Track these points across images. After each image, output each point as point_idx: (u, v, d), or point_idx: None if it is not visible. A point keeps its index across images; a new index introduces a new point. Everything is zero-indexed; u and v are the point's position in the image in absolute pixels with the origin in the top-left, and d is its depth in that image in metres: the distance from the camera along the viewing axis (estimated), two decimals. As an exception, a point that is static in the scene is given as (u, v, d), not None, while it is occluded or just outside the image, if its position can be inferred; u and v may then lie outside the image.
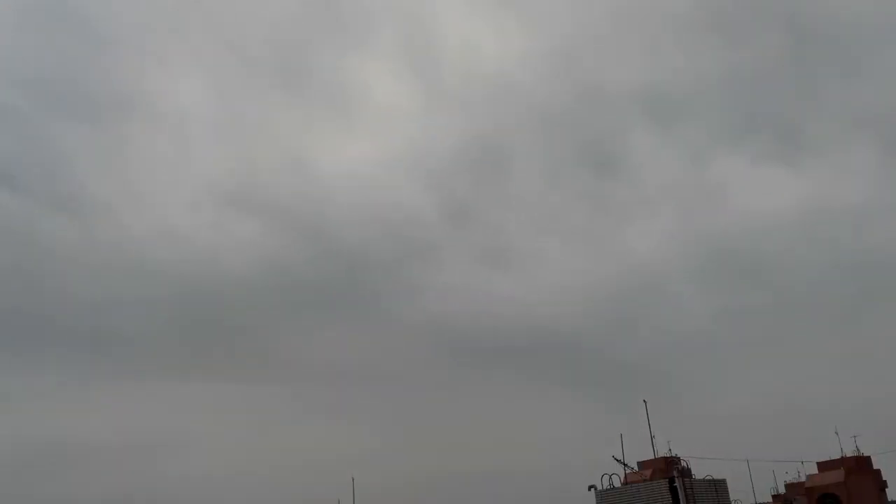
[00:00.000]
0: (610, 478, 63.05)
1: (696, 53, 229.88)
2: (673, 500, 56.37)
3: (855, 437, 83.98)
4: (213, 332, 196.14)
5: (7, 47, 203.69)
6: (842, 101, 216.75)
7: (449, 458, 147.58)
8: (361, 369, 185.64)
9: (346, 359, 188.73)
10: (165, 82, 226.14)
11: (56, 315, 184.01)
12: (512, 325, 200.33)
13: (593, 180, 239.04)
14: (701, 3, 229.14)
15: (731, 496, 62.61)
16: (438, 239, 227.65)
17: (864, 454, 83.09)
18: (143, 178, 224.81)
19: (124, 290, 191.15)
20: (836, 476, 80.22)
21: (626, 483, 67.82)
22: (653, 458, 75.65)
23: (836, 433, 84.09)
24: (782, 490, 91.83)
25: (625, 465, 77.14)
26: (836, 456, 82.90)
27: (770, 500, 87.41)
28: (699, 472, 63.66)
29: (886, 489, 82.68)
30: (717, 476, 61.47)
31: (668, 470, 66.93)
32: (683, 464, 68.23)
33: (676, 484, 56.91)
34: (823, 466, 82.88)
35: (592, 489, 61.74)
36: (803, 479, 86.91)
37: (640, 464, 79.58)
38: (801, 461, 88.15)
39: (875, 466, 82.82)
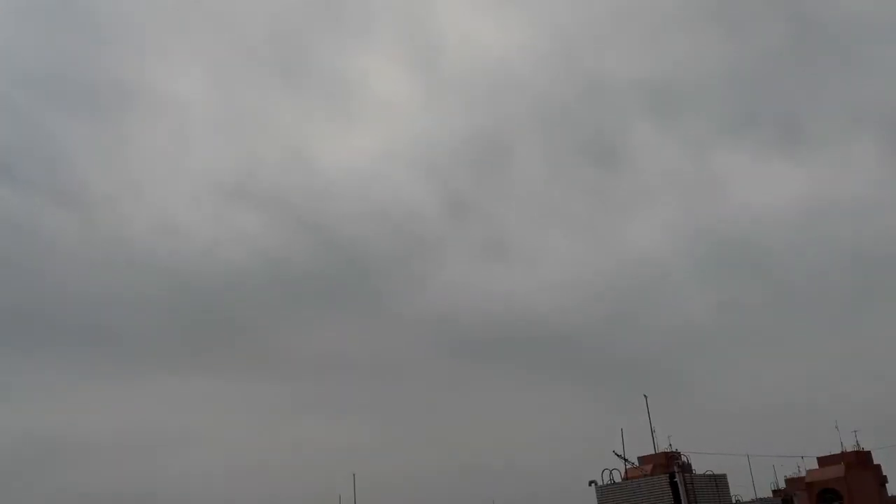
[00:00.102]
0: (610, 473, 62.95)
1: (698, 47, 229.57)
2: (673, 495, 56.28)
3: (855, 432, 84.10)
4: (213, 327, 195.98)
5: (7, 40, 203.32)
6: (844, 95, 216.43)
7: (450, 453, 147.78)
8: (362, 364, 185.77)
9: (347, 353, 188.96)
10: (166, 76, 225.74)
11: (55, 310, 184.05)
12: (512, 318, 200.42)
13: (594, 174, 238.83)
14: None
15: (732, 491, 62.57)
16: (439, 233, 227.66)
17: (865, 449, 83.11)
18: (143, 171, 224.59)
19: (124, 283, 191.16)
20: (837, 471, 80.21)
21: (626, 478, 67.82)
22: (653, 453, 75.78)
23: (837, 428, 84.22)
24: (782, 485, 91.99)
25: (625, 460, 77.19)
26: (837, 451, 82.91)
27: (770, 494, 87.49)
28: (700, 468, 63.70)
29: (887, 484, 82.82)
30: (717, 471, 61.41)
31: (669, 465, 66.99)
32: (684, 459, 68.28)
33: (677, 479, 56.76)
34: (823, 461, 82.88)
35: (593, 484, 61.62)
36: (803, 474, 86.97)
37: (640, 459, 79.68)
38: (801, 456, 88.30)
39: (875, 461, 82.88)
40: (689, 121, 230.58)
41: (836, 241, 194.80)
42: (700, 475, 59.55)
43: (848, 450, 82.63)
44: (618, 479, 63.69)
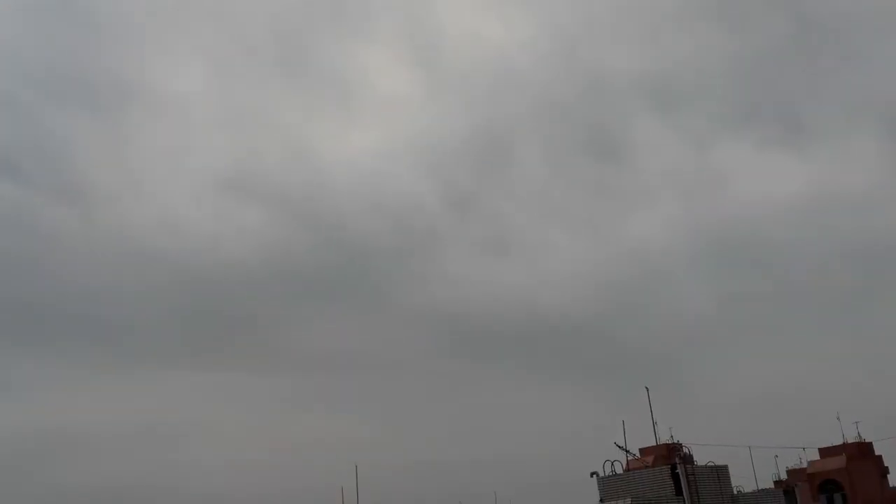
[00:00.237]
0: (612, 464, 63.05)
1: (699, 41, 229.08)
2: (675, 487, 56.35)
3: (857, 423, 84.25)
4: (214, 322, 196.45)
5: (8, 36, 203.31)
6: (845, 87, 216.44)
7: (451, 445, 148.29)
8: (363, 358, 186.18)
9: (348, 348, 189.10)
10: (167, 73, 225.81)
11: (56, 305, 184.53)
12: (514, 313, 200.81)
13: (596, 169, 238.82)
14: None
15: (733, 482, 62.58)
16: (441, 228, 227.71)
17: (866, 440, 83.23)
18: (144, 168, 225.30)
19: (125, 279, 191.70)
20: (838, 462, 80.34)
21: (628, 470, 67.90)
22: (655, 444, 75.84)
23: (838, 419, 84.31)
24: (784, 476, 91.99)
25: (627, 451, 77.28)
26: (838, 442, 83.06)
27: (772, 486, 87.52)
28: (701, 459, 63.65)
29: (888, 475, 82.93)
30: (719, 462, 61.43)
31: (670, 456, 66.95)
32: (685, 450, 68.21)
33: (678, 470, 56.85)
34: (825, 453, 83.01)
35: (594, 476, 61.71)
36: (805, 465, 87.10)
37: (642, 450, 79.73)
38: (802, 447, 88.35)
39: (877, 452, 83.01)
40: (690, 116, 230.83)
41: (837, 234, 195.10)
42: (702, 466, 59.61)
43: (849, 441, 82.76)
44: (619, 470, 63.77)
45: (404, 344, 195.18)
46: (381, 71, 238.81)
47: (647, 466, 67.40)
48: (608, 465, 62.53)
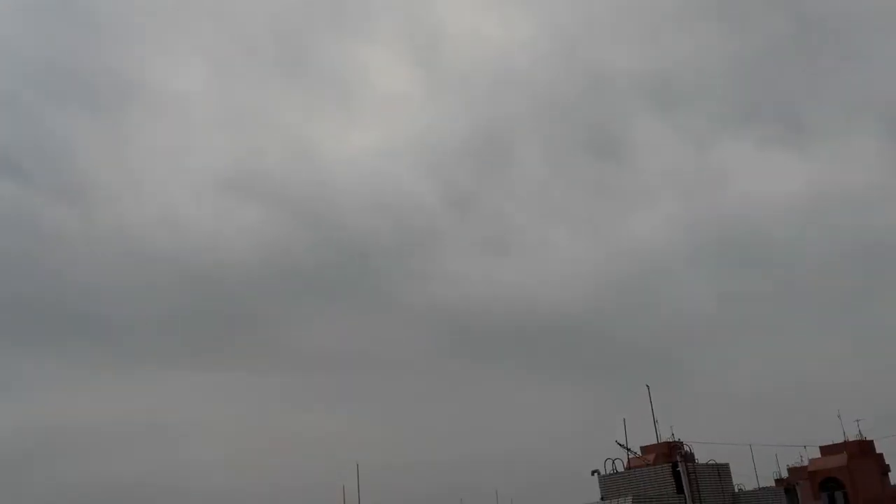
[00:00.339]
0: (613, 462, 62.85)
1: (699, 41, 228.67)
2: (676, 485, 56.19)
3: (858, 421, 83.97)
4: (214, 320, 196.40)
5: (8, 36, 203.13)
6: (845, 87, 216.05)
7: (452, 444, 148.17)
8: (364, 356, 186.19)
9: (349, 347, 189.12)
10: (167, 71, 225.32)
11: (56, 303, 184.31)
12: (515, 311, 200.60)
13: (596, 168, 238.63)
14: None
15: (734, 480, 62.41)
16: (441, 226, 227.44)
17: (867, 438, 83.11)
18: (144, 166, 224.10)
19: (125, 278, 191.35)
20: (839, 460, 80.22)
21: (629, 468, 67.78)
22: (656, 442, 75.75)
23: (839, 417, 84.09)
24: (785, 474, 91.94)
25: (628, 449, 77.19)
26: (839, 440, 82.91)
27: (773, 484, 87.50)
28: (702, 457, 63.44)
29: (889, 473, 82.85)
30: (720, 460, 61.24)
31: (671, 454, 66.81)
32: (686, 448, 68.08)
33: (679, 468, 56.68)
34: (826, 451, 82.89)
35: (595, 474, 61.55)
36: (806, 463, 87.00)
37: (643, 448, 79.71)
38: (803, 446, 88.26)
39: (878, 450, 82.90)
40: (691, 116, 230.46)
41: (838, 232, 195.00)
42: (703, 464, 59.42)
43: (850, 439, 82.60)
44: (620, 468, 63.66)
45: (404, 343, 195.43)
46: (381, 71, 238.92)
47: (648, 465, 67.29)
48: (609, 463, 62.42)
